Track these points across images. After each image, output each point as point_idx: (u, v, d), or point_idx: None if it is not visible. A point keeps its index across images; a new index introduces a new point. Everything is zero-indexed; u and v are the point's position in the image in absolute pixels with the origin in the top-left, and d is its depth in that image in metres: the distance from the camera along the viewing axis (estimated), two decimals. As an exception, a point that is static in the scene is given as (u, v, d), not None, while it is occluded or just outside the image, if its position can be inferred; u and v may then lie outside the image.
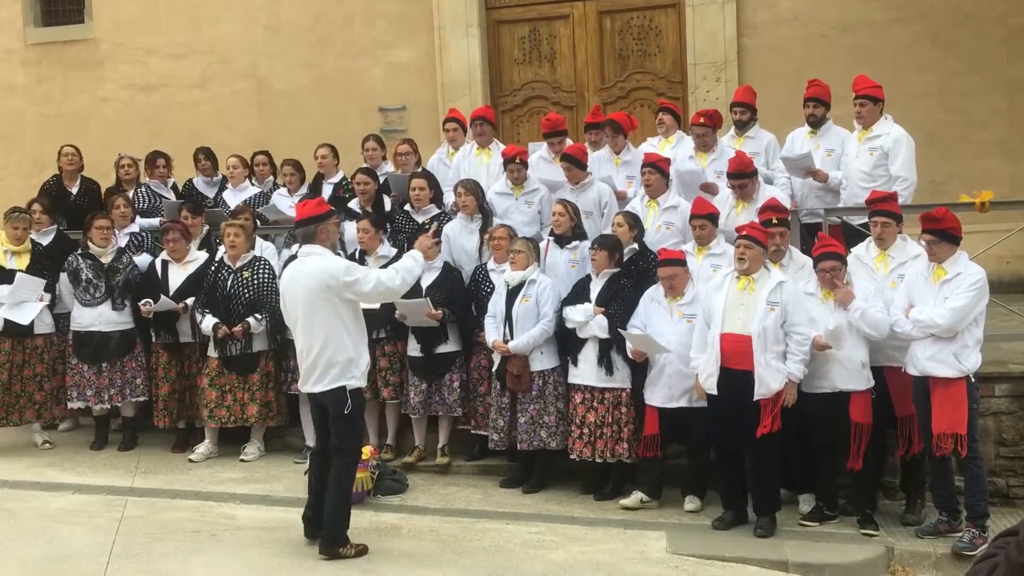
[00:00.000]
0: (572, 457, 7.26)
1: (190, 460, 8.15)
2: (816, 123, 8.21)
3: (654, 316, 7.01)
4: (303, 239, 6.23)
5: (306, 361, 6.10)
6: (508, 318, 7.36)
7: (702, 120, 8.21)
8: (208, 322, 7.92)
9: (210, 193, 9.46)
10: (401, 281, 6.20)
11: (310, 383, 6.11)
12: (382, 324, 7.81)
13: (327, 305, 6.00)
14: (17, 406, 8.37)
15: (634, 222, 7.47)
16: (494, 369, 7.49)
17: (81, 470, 7.98)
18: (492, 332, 7.44)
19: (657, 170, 7.71)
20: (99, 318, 8.35)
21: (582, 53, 11.52)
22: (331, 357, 6.01)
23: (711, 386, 6.58)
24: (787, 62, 10.51)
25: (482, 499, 7.34)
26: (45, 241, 8.66)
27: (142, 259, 8.62)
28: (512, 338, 7.31)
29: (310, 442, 8.08)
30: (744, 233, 6.62)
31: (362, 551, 6.11)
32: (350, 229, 8.25)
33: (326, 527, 6.10)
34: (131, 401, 8.53)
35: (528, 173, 8.23)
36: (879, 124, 7.83)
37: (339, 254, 6.85)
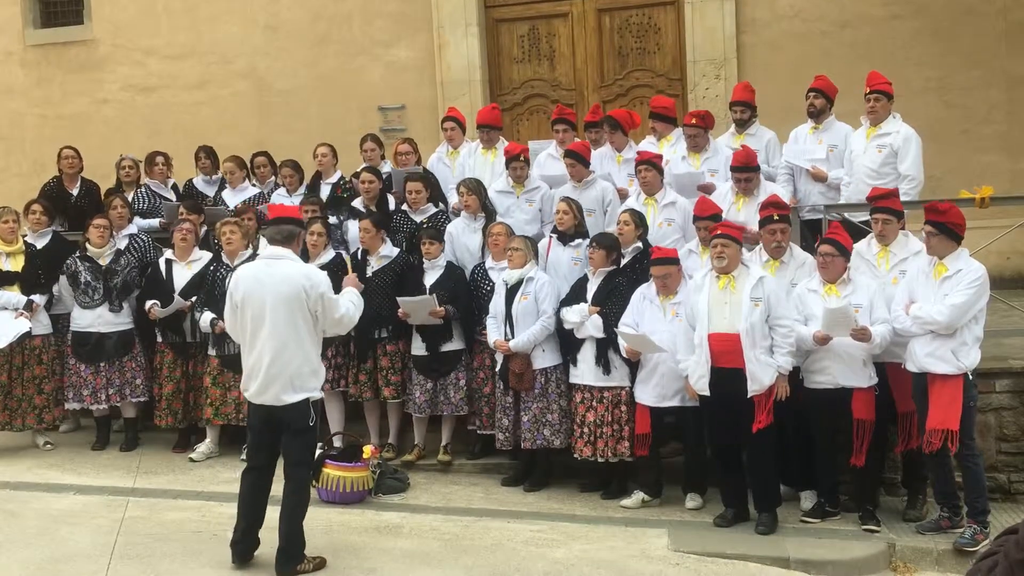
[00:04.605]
0: (575, 456, 7.27)
1: (191, 459, 8.16)
2: (815, 114, 8.20)
3: (647, 314, 7.00)
4: (280, 240, 5.87)
5: (267, 370, 5.71)
6: (508, 317, 7.36)
7: (694, 121, 8.22)
8: (206, 317, 7.92)
9: (210, 192, 9.46)
10: (358, 317, 6.17)
11: (270, 394, 5.72)
12: (384, 324, 7.82)
13: (298, 311, 5.71)
14: (19, 411, 8.39)
15: (640, 220, 7.47)
16: (497, 369, 7.49)
17: (82, 471, 7.99)
18: (493, 332, 7.43)
19: (652, 167, 7.71)
20: (97, 319, 8.37)
21: (581, 51, 11.51)
22: (298, 366, 5.72)
23: (703, 387, 6.57)
24: (786, 58, 10.50)
25: (483, 497, 7.35)
26: (42, 243, 8.66)
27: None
28: (513, 337, 7.31)
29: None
30: (719, 232, 6.62)
31: (320, 564, 5.91)
32: (353, 228, 8.25)
33: (285, 545, 5.82)
34: (131, 402, 8.54)
35: (531, 171, 8.23)
36: (888, 122, 7.82)
37: None
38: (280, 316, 5.71)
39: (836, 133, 8.20)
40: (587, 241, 7.63)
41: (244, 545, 5.93)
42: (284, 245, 5.88)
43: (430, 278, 7.79)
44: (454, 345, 7.76)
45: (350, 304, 6.03)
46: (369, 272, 7.92)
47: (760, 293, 6.50)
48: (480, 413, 7.78)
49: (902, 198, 7.50)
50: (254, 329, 5.77)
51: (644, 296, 7.07)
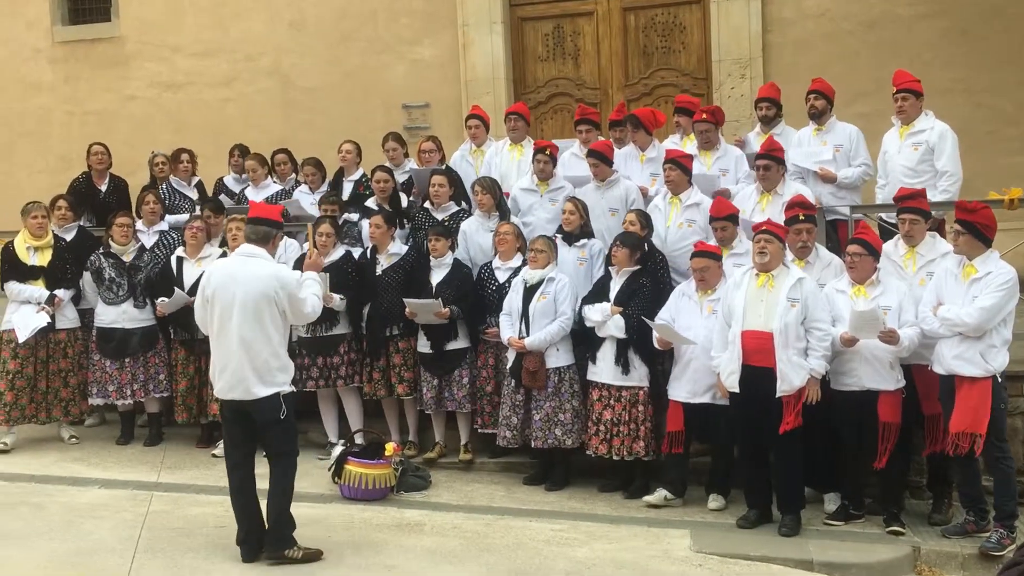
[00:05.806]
0: (588, 454, 7.27)
1: (214, 455, 8.18)
2: (816, 116, 8.17)
3: (684, 311, 7.00)
4: (256, 239, 5.98)
5: (235, 364, 5.79)
6: (524, 315, 7.35)
7: (704, 116, 8.20)
8: None
9: (238, 190, 9.51)
10: (321, 308, 6.26)
11: (240, 389, 5.81)
12: (395, 321, 7.83)
13: (265, 308, 5.81)
14: (44, 403, 8.45)
15: (646, 221, 7.45)
16: (508, 366, 7.49)
17: (107, 465, 8.05)
18: (507, 329, 7.43)
19: (678, 166, 7.69)
20: (122, 315, 8.43)
21: (606, 50, 11.48)
22: (265, 360, 5.81)
23: (733, 384, 6.55)
24: (812, 58, 10.43)
25: (505, 496, 7.35)
26: (67, 237, 8.71)
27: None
28: (528, 335, 7.30)
29: (332, 438, 8.13)
30: (764, 228, 6.59)
31: (313, 556, 5.93)
32: (367, 226, 8.26)
33: (272, 528, 5.90)
34: (155, 397, 8.60)
35: (556, 171, 8.22)
36: (921, 119, 7.78)
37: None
38: (248, 312, 5.80)
39: (839, 133, 8.17)
40: (594, 241, 7.62)
41: (249, 545, 5.98)
42: (259, 244, 5.99)
43: (437, 276, 7.80)
44: (459, 343, 7.78)
45: (314, 297, 6.12)
46: (379, 270, 7.94)
47: (798, 294, 6.46)
48: (483, 412, 7.78)
49: (943, 196, 7.46)
50: (222, 324, 5.86)
51: (683, 292, 7.08)
